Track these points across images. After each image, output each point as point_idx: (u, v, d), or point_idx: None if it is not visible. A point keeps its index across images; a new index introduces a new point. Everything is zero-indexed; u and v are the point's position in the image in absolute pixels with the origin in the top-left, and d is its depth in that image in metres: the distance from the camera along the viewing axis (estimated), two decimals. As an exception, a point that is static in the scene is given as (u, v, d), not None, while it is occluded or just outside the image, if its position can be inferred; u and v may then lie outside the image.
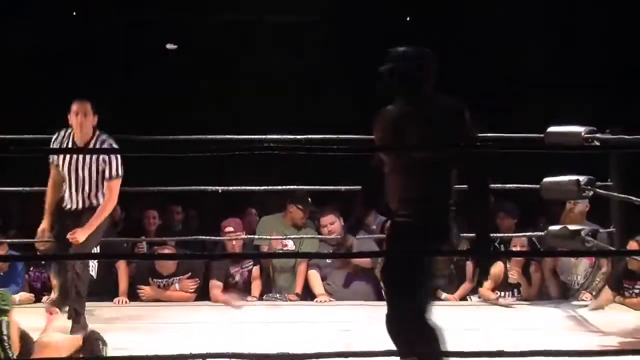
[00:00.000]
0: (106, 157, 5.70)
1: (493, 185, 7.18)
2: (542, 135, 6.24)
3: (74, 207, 5.76)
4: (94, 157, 5.70)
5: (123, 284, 6.92)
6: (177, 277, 6.92)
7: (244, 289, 7.07)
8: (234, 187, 6.99)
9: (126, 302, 6.84)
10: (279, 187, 6.99)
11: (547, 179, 6.17)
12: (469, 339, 5.61)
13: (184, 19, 11.09)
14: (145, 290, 6.92)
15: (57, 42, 10.73)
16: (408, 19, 11.03)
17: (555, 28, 10.16)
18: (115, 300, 6.85)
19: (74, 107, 5.74)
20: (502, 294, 6.90)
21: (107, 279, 6.98)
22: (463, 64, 9.48)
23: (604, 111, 8.05)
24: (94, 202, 5.74)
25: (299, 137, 6.77)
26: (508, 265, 6.91)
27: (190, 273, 6.94)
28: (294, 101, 10.44)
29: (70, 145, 5.77)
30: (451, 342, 5.28)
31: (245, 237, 7.10)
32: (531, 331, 5.87)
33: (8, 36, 10.59)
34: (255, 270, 7.08)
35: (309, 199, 7.28)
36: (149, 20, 11.01)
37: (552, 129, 6.17)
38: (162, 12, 11.01)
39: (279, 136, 6.62)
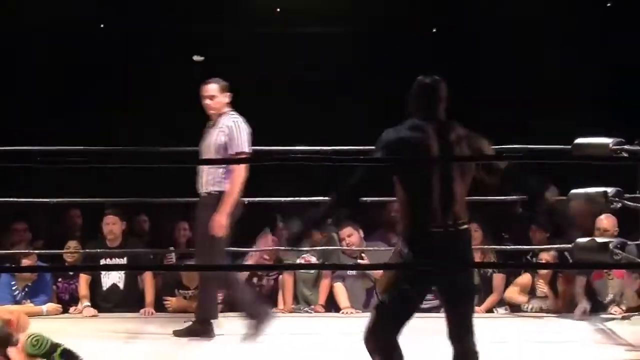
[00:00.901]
0: (228, 130, 5.78)
1: (521, 197, 7.21)
2: (569, 147, 6.21)
3: (200, 190, 5.87)
4: (219, 130, 5.80)
5: (149, 295, 6.93)
6: (204, 289, 6.92)
7: (269, 297, 7.07)
8: (261, 199, 6.98)
9: (152, 314, 6.85)
10: (304, 199, 6.98)
11: (574, 191, 6.14)
12: (496, 351, 5.58)
13: (210, 30, 11.12)
14: (171, 302, 6.93)
15: (84, 54, 10.78)
16: (434, 30, 11.01)
17: (583, 38, 10.12)
18: (142, 311, 6.86)
19: (205, 90, 5.91)
20: (530, 307, 6.87)
21: (133, 290, 6.99)
22: (489, 76, 9.46)
23: (633, 123, 8.00)
24: (215, 187, 5.78)
25: (324, 148, 6.77)
26: (536, 278, 6.88)
27: (216, 284, 6.93)
28: (319, 112, 10.43)
29: (208, 127, 5.89)
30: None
31: (271, 248, 7.10)
32: (558, 344, 5.83)
33: (36, 48, 10.67)
34: (281, 282, 7.08)
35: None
36: (175, 31, 11.05)
37: (580, 140, 6.15)
38: (188, 23, 11.05)
39: (305, 147, 6.62)
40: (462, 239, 4.08)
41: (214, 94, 5.91)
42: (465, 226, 4.09)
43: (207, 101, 5.92)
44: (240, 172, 5.69)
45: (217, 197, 5.73)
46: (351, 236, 7.05)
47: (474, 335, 4.13)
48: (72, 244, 7.12)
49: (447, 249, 4.01)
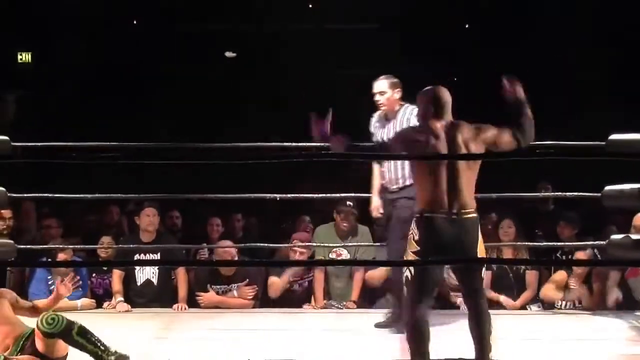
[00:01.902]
0: (413, 122, 5.78)
1: (553, 193, 7.18)
2: (604, 143, 6.17)
3: (390, 185, 5.95)
4: (404, 122, 5.87)
5: (182, 290, 6.96)
6: (236, 284, 6.95)
7: (304, 299, 7.09)
8: (292, 195, 6.99)
9: (185, 309, 6.88)
10: (336, 195, 6.99)
11: (609, 187, 6.10)
12: (529, 348, 5.56)
13: (242, 27, 11.15)
14: (204, 297, 6.96)
15: (117, 50, 10.84)
16: (467, 26, 10.98)
17: (614, 36, 10.06)
18: (175, 306, 6.89)
19: (375, 87, 5.98)
20: (564, 304, 6.83)
21: (166, 285, 7.03)
22: (523, 71, 9.39)
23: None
24: (408, 180, 5.82)
25: (356, 144, 6.75)
26: (570, 275, 6.85)
27: (248, 280, 6.96)
28: (349, 109, 10.43)
29: (382, 123, 5.98)
30: (511, 351, 5.26)
31: (305, 244, 7.10)
32: (591, 341, 5.79)
33: (70, 45, 10.75)
34: (313, 280, 7.08)
35: (353, 207, 7.19)
36: (207, 28, 11.09)
37: (615, 136, 6.10)
38: (220, 20, 11.09)
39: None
40: (467, 225, 4.59)
41: (383, 90, 5.98)
42: (472, 215, 4.62)
43: (377, 97, 6.00)
44: None
45: (410, 189, 5.77)
46: None
47: (484, 296, 4.75)
48: (106, 240, 7.16)
49: (451, 234, 4.57)
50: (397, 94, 5.99)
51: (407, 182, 5.85)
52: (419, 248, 4.64)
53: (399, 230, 5.67)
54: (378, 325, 6.06)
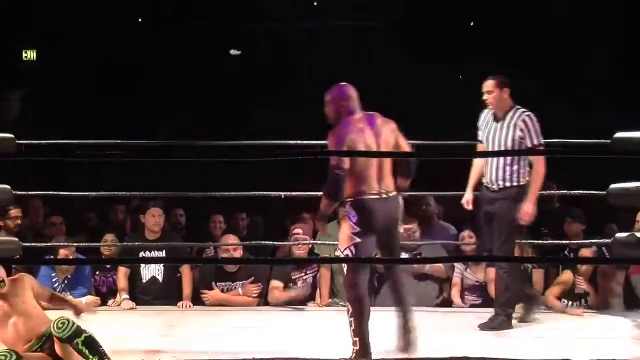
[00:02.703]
0: (523, 125, 5.96)
1: (560, 191, 7.17)
2: (608, 141, 6.16)
3: (490, 185, 6.05)
4: (512, 125, 5.98)
5: (187, 288, 6.96)
6: (241, 282, 6.95)
7: (307, 295, 7.08)
8: (297, 193, 6.99)
9: (190, 306, 6.88)
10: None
11: (614, 185, 6.09)
12: (535, 346, 5.56)
13: (247, 25, 11.15)
14: (208, 295, 6.95)
15: (122, 48, 10.85)
16: (472, 24, 10.98)
17: (620, 35, 10.05)
18: (179, 304, 6.89)
19: (484, 86, 6.07)
20: (570, 303, 6.81)
21: (172, 283, 7.03)
22: (530, 71, 9.42)
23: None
24: (508, 182, 5.99)
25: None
26: (576, 275, 6.83)
27: (253, 278, 6.96)
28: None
29: (489, 121, 6.08)
30: (518, 350, 5.25)
31: (308, 242, 7.10)
32: (597, 340, 5.78)
33: (74, 42, 10.75)
34: (319, 277, 7.07)
35: None
36: (212, 26, 11.09)
37: (619, 134, 6.10)
38: (225, 18, 11.09)
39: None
40: (393, 202, 5.27)
41: (491, 89, 6.04)
42: (394, 193, 5.26)
43: (485, 96, 6.07)
44: (543, 163, 5.99)
45: (514, 191, 5.97)
46: (416, 232, 7.08)
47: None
48: (109, 237, 7.16)
49: (383, 210, 5.21)
50: (505, 93, 6.05)
51: (508, 184, 5.99)
52: (358, 229, 5.18)
53: (502, 232, 5.97)
54: (482, 327, 6.07)
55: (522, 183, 6.00)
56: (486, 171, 6.10)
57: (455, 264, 7.12)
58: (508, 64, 9.30)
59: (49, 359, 4.67)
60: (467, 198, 6.22)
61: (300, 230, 7.11)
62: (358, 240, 5.18)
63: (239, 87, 10.88)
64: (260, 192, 6.96)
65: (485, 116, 6.17)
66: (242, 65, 11.50)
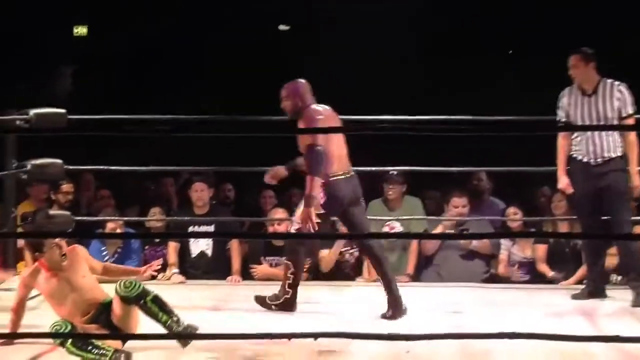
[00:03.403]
0: (620, 94, 6.00)
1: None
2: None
3: (592, 159, 6.03)
4: (607, 96, 6.00)
5: (236, 262, 7.00)
6: (290, 257, 6.96)
7: (354, 269, 7.09)
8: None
9: (239, 281, 6.92)
10: (387, 168, 7.01)
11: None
12: (583, 322, 5.52)
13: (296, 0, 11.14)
14: (257, 269, 6.99)
15: (172, 23, 10.89)
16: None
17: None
18: (229, 278, 6.93)
19: (569, 61, 6.05)
20: (619, 278, 6.75)
21: (221, 257, 7.08)
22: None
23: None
24: (613, 153, 6.02)
25: (409, 117, 6.74)
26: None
27: (301, 252, 6.97)
28: (406, 81, 10.39)
29: (577, 97, 6.05)
30: (553, 326, 5.23)
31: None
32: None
33: (125, 18, 10.81)
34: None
35: (397, 179, 7.17)
36: (262, 1, 11.09)
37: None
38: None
39: (390, 117, 6.61)
40: (356, 180, 5.74)
41: (575, 63, 6.04)
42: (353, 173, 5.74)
43: (571, 71, 6.06)
44: (635, 132, 6.06)
45: (620, 161, 6.00)
46: (465, 207, 7.07)
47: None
48: (156, 211, 7.22)
49: (350, 188, 5.68)
50: (591, 67, 6.03)
51: (613, 154, 6.00)
52: (322, 211, 5.61)
53: (619, 203, 5.98)
54: (575, 297, 6.17)
55: (621, 153, 6.01)
56: (582, 147, 6.04)
57: (502, 240, 7.10)
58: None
59: (103, 330, 4.71)
60: (565, 182, 6.15)
61: None
62: (318, 220, 5.60)
63: (288, 62, 10.89)
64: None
65: (570, 93, 6.10)
66: (291, 40, 11.51)
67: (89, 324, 4.73)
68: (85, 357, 4.51)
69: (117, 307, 4.68)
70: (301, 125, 5.74)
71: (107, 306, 4.74)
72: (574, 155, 6.09)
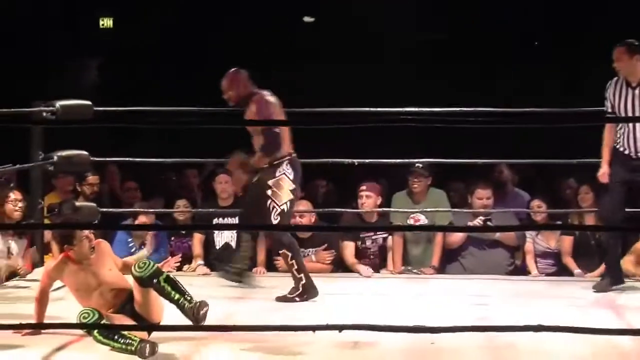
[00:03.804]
0: None
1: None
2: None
3: (629, 151, 6.05)
4: None
5: (261, 254, 7.00)
6: (314, 249, 6.98)
7: (378, 257, 7.09)
8: (370, 160, 7.00)
9: (264, 273, 6.93)
10: (412, 160, 7.01)
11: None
12: (606, 314, 5.50)
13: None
14: (281, 262, 6.99)
15: (196, 15, 10.91)
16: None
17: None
18: (253, 270, 6.93)
19: (613, 54, 6.03)
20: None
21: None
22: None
23: None
24: None
25: (435, 109, 6.73)
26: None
27: (326, 244, 6.98)
28: (431, 73, 10.36)
29: (622, 90, 6.01)
30: (585, 318, 5.21)
31: (379, 209, 7.09)
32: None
33: (150, 9, 10.83)
34: (390, 243, 7.08)
35: (422, 172, 7.15)
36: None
37: None
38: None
39: (416, 108, 6.60)
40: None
41: (620, 56, 6.00)
42: None
43: (615, 64, 6.04)
44: None
45: None
46: (489, 199, 7.04)
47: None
48: (181, 203, 7.24)
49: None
50: (636, 60, 5.99)
51: None
52: (294, 186, 5.95)
53: None
54: (596, 288, 6.15)
55: None
56: (624, 139, 6.02)
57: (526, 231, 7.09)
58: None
59: (128, 320, 4.73)
60: (605, 171, 6.12)
61: (364, 187, 7.08)
62: (293, 196, 5.96)
63: (313, 54, 10.89)
64: (333, 160, 7.00)
65: (616, 86, 6.06)
66: (316, 32, 11.50)
67: (115, 314, 4.76)
68: (111, 345, 4.55)
69: (137, 294, 4.71)
70: (252, 109, 5.95)
71: (131, 296, 4.77)
72: (617, 147, 6.07)
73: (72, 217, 6.43)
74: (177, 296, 4.63)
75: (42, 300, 4.93)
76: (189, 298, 4.65)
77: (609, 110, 6.09)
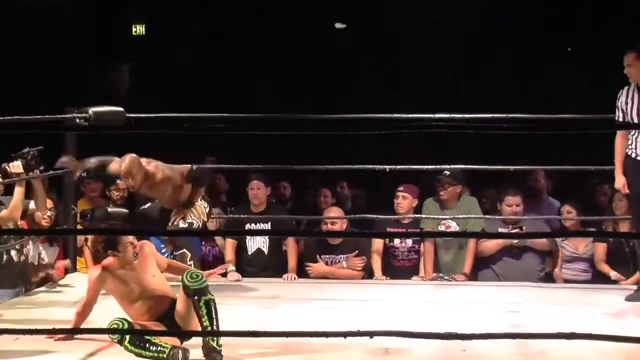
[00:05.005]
0: None
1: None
2: None
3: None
4: None
5: (292, 260, 7.01)
6: (345, 255, 6.98)
7: (407, 261, 7.08)
8: (402, 166, 6.99)
9: (295, 279, 6.94)
10: (444, 167, 6.99)
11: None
12: (633, 325, 5.45)
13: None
14: (313, 267, 7.00)
15: (228, 21, 10.95)
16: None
17: None
18: (284, 276, 6.95)
19: (624, 60, 5.99)
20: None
21: (276, 255, 7.10)
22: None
23: None
24: None
25: (467, 115, 6.70)
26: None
27: (357, 251, 6.98)
28: (464, 79, 10.33)
29: (634, 96, 5.95)
30: (617, 326, 5.16)
31: (411, 216, 7.08)
32: None
33: (182, 16, 10.89)
34: (423, 251, 7.06)
35: (448, 180, 7.12)
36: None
37: None
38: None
39: (448, 115, 6.58)
40: None
41: (631, 62, 5.97)
42: None
43: (626, 70, 6.00)
44: None
45: None
46: (519, 206, 7.00)
47: None
48: (215, 211, 7.25)
49: None
50: None
51: None
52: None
53: None
54: (629, 299, 6.06)
55: None
56: (636, 145, 5.95)
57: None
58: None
59: (160, 326, 4.74)
60: (622, 182, 6.04)
61: (401, 188, 7.09)
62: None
63: (344, 60, 10.89)
64: (365, 166, 7.00)
65: (628, 93, 6.00)
66: (348, 38, 11.50)
67: (155, 321, 4.76)
68: (143, 354, 4.55)
69: (180, 303, 4.70)
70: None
71: (173, 304, 4.76)
72: (629, 153, 6.01)
73: (107, 223, 6.44)
74: (206, 322, 4.61)
75: (83, 314, 4.92)
76: (216, 329, 4.60)
77: (620, 118, 6.02)
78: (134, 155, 6.06)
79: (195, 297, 4.59)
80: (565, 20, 10.93)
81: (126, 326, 4.55)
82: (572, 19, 10.95)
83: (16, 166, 5.81)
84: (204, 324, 4.57)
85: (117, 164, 6.06)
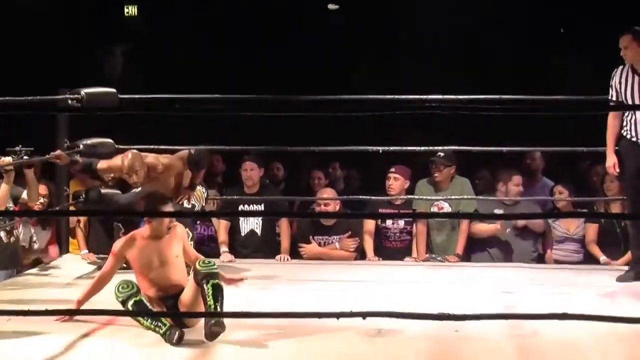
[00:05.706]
0: None
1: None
2: None
3: (637, 139, 5.98)
4: None
5: (285, 241, 7.03)
6: (338, 236, 6.99)
7: (399, 243, 7.09)
8: (395, 147, 6.99)
9: (288, 260, 6.95)
10: (437, 148, 6.99)
11: None
12: (625, 305, 5.47)
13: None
14: (306, 249, 7.01)
15: (221, 2, 10.91)
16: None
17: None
18: (277, 257, 6.96)
19: (620, 42, 5.99)
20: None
21: (269, 236, 7.11)
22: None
23: None
24: None
25: (461, 97, 6.70)
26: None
27: (350, 232, 6.99)
28: (455, 63, 10.32)
29: (627, 77, 5.97)
30: (610, 307, 5.17)
31: (403, 197, 7.09)
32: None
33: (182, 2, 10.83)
34: (416, 232, 7.07)
35: (442, 162, 7.12)
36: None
37: None
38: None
39: (441, 96, 6.58)
40: None
41: (627, 44, 5.98)
42: None
43: (622, 52, 6.00)
44: None
45: None
46: (518, 185, 7.02)
47: None
48: (211, 193, 7.25)
49: None
50: None
51: None
52: None
53: None
54: (620, 279, 6.08)
55: None
56: (632, 127, 5.97)
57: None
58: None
59: (162, 307, 4.78)
60: (613, 161, 6.07)
61: (393, 169, 7.11)
62: None
63: (337, 42, 10.87)
64: (358, 147, 7.00)
65: (622, 73, 6.03)
66: (340, 20, 11.47)
67: (159, 301, 4.80)
68: (141, 322, 4.65)
69: (188, 290, 4.75)
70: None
71: (180, 293, 4.80)
72: (624, 134, 6.02)
73: (104, 203, 6.46)
74: (210, 302, 4.63)
75: (99, 284, 4.94)
76: (219, 309, 4.64)
77: (613, 98, 6.04)
78: (135, 150, 6.05)
79: (204, 280, 4.63)
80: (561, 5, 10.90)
81: (135, 289, 4.65)
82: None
83: (6, 161, 5.80)
84: (208, 303, 4.62)
85: (119, 161, 6.02)
